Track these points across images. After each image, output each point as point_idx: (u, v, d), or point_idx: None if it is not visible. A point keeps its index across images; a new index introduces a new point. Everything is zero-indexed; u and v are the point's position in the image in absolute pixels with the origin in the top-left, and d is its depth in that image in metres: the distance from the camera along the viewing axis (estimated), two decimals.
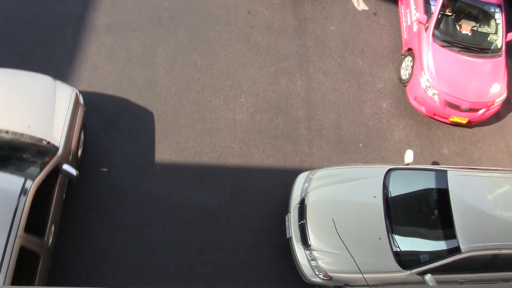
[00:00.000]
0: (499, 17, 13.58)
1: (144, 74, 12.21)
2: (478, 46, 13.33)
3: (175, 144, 11.55)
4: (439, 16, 13.27)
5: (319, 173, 10.88)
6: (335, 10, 14.42)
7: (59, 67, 11.83)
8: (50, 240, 9.09)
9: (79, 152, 10.36)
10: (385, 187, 10.60)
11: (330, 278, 9.95)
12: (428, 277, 9.82)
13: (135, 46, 12.52)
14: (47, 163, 8.98)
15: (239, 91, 12.49)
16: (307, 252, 10.12)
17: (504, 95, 13.09)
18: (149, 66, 12.34)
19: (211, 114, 12.06)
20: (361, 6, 14.76)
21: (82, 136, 10.41)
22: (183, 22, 13.12)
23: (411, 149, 12.52)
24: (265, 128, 12.17)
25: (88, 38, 12.32)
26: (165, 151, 11.42)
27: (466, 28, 13.44)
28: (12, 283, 7.88)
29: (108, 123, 11.46)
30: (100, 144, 11.21)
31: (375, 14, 14.68)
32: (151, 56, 12.48)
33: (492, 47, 13.38)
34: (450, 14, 13.48)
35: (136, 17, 12.92)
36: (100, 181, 10.88)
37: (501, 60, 13.28)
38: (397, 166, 10.96)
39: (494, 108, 13.12)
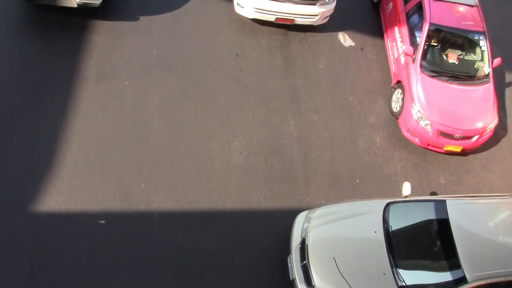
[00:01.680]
0: (483, 44, 13.73)
1: (137, 123, 12.22)
2: (466, 74, 13.46)
3: (172, 191, 11.50)
4: (425, 47, 13.41)
5: (318, 211, 10.82)
6: (323, 47, 14.56)
7: (51, 116, 11.86)
8: None
9: None
10: (385, 221, 10.54)
11: None
12: None
13: (127, 96, 12.56)
14: None
15: (232, 134, 12.51)
16: None
17: (496, 121, 13.16)
18: (142, 115, 12.37)
19: (206, 159, 12.04)
20: (348, 42, 14.91)
21: None
22: (172, 68, 13.21)
23: (408, 181, 12.49)
24: (261, 170, 12.15)
25: (79, 89, 12.37)
26: (162, 200, 11.36)
27: (452, 57, 13.58)
28: None
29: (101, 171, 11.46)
30: (96, 192, 11.15)
31: (362, 49, 14.83)
32: (143, 105, 12.51)
33: (480, 74, 13.49)
34: (435, 44, 13.63)
35: (125, 66, 13.00)
36: (97, 230, 10.78)
37: (490, 86, 13.40)
38: (396, 199, 10.92)
39: (487, 135, 13.17)
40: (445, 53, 13.67)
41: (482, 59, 13.68)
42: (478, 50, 13.79)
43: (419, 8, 13.96)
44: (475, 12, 14.04)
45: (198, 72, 13.29)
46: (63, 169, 11.31)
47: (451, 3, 14.02)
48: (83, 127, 11.91)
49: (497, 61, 13.71)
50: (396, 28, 14.40)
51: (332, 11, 14.38)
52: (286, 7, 13.89)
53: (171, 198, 11.43)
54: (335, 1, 14.29)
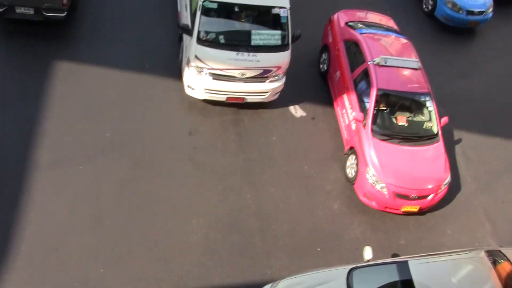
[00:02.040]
0: (430, 105, 14.10)
1: (92, 208, 12.05)
2: (416, 135, 13.74)
3: (131, 275, 11.23)
4: (375, 112, 13.67)
5: (281, 284, 10.67)
6: (275, 120, 14.76)
7: (3, 207, 11.64)
8: None
9: None
10: (349, 287, 10.44)
11: None
12: None
13: (81, 181, 12.44)
14: None
15: (189, 213, 12.41)
16: None
17: (449, 178, 13.36)
18: (97, 200, 12.22)
19: (165, 240, 11.87)
20: (299, 113, 15.15)
21: None
22: (126, 150, 13.19)
23: (369, 245, 12.41)
24: (221, 246, 12.01)
25: (31, 176, 12.22)
26: (121, 284, 11.05)
27: (401, 119, 13.87)
28: None
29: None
30: (52, 281, 10.87)
31: (313, 118, 15.06)
32: (97, 189, 12.39)
33: (429, 133, 13.79)
34: (384, 108, 13.92)
35: (78, 150, 12.93)
36: None
37: (440, 144, 13.69)
38: (358, 265, 10.86)
39: (441, 192, 13.34)
40: (394, 116, 13.96)
41: (430, 119, 14.01)
42: (425, 111, 14.14)
43: (366, 74, 14.30)
44: (419, 75, 14.47)
45: (151, 152, 13.29)
46: (17, 259, 11.00)
47: (396, 68, 14.41)
48: (37, 215, 11.68)
49: (445, 120, 14.06)
50: (345, 96, 14.70)
51: (282, 87, 14.57)
52: (236, 86, 14.01)
53: (131, 281, 11.16)
54: (285, 77, 14.53)
